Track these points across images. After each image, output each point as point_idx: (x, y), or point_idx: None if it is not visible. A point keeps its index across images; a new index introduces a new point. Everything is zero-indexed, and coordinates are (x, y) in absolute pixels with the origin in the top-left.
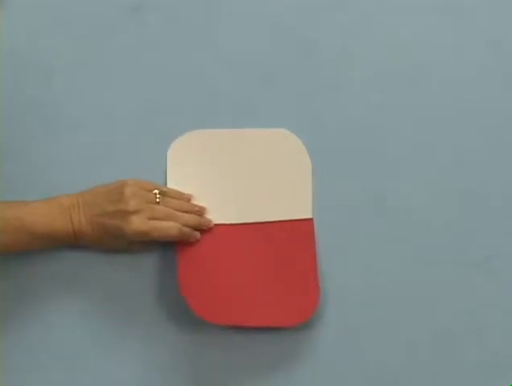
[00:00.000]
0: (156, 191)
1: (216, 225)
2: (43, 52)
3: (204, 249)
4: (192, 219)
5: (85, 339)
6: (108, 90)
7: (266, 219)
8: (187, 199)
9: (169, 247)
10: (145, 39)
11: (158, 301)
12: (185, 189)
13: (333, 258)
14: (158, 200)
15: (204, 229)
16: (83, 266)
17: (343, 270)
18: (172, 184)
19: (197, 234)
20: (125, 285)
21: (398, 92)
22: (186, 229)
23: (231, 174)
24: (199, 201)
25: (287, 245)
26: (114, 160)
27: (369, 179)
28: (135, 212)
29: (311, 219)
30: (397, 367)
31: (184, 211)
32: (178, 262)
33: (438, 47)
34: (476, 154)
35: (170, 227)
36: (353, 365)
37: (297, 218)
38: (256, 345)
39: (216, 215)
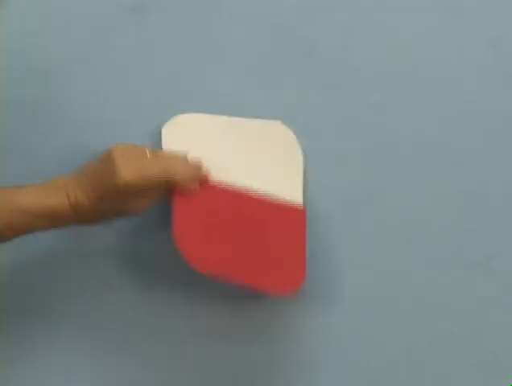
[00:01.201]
0: (147, 150)
1: (212, 186)
2: (43, 52)
3: (199, 205)
4: (187, 170)
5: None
6: (108, 90)
7: (260, 190)
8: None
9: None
10: (145, 39)
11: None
12: None
13: (333, 258)
14: (148, 156)
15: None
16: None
17: (343, 270)
18: None
19: (195, 184)
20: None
21: (398, 91)
22: (179, 177)
23: (222, 159)
24: None
25: (279, 226)
26: None
27: (369, 179)
28: (125, 165)
29: (303, 210)
30: (397, 367)
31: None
32: (173, 214)
33: (438, 47)
34: (477, 154)
35: (163, 171)
36: (353, 365)
37: (289, 200)
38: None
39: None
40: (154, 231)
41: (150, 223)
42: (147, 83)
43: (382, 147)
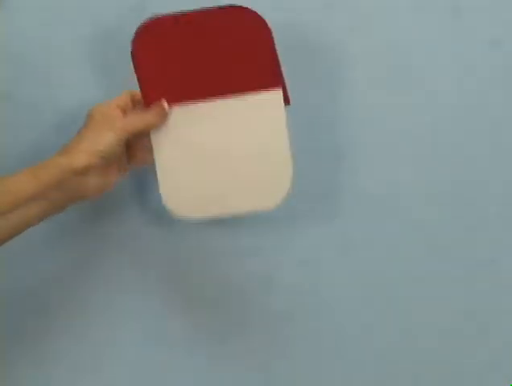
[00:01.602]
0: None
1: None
2: (43, 52)
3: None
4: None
5: None
6: (108, 90)
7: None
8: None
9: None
10: None
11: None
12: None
13: (333, 258)
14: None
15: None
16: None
17: (342, 270)
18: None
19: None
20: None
21: (398, 91)
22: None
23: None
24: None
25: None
26: None
27: (368, 179)
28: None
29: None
30: (397, 366)
31: None
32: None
33: (438, 47)
34: (477, 154)
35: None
36: (353, 365)
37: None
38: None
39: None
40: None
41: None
42: None
43: (382, 147)
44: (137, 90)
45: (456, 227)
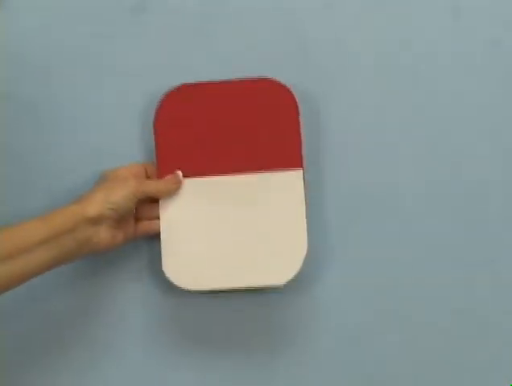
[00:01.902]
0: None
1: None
2: (43, 52)
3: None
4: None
5: None
6: (108, 90)
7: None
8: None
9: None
10: (145, 39)
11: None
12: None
13: (333, 258)
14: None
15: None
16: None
17: (343, 271)
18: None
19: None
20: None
21: (398, 91)
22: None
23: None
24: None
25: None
26: (114, 160)
27: (368, 179)
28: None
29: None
30: (397, 367)
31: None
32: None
33: (438, 46)
34: (477, 154)
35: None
36: (353, 365)
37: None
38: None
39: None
40: None
41: None
42: (147, 82)
43: (383, 147)
44: (149, 163)
45: (455, 228)
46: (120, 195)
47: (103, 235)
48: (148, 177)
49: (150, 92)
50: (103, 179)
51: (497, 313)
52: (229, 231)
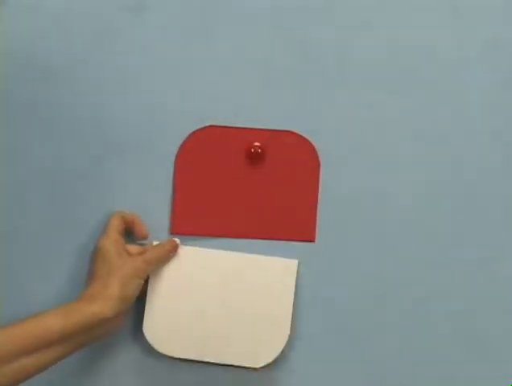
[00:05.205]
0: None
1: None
2: (43, 52)
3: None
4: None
5: None
6: (107, 90)
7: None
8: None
9: None
10: (145, 38)
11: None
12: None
13: (333, 258)
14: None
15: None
16: None
17: (343, 271)
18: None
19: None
20: None
21: (398, 91)
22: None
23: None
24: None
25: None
26: (114, 160)
27: (369, 179)
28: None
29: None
30: (396, 367)
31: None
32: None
33: (438, 46)
34: (477, 154)
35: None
36: (353, 366)
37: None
38: None
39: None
40: None
41: None
42: (147, 83)
43: (382, 147)
44: (126, 212)
45: (455, 227)
46: (134, 286)
47: (117, 322)
48: (128, 225)
49: (150, 91)
50: (105, 260)
51: (497, 313)
52: (213, 304)
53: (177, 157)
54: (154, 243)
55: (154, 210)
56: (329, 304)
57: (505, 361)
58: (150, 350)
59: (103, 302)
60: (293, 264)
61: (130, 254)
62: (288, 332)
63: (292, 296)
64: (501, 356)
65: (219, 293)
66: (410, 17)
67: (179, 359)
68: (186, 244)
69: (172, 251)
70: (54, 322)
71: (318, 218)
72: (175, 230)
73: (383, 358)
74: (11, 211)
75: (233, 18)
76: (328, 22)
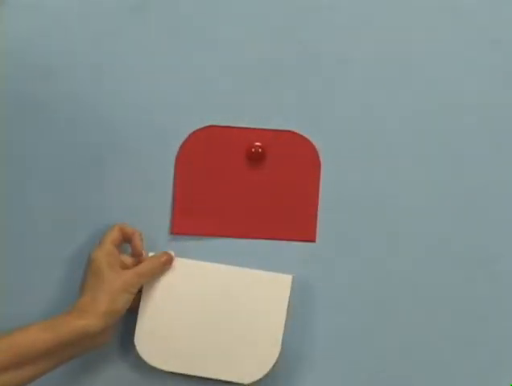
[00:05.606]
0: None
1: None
2: (43, 52)
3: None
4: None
5: None
6: (107, 90)
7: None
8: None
9: None
10: (145, 38)
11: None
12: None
13: (333, 258)
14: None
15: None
16: None
17: (343, 271)
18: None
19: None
20: None
21: (398, 92)
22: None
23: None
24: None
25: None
26: (114, 160)
27: (369, 180)
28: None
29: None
30: (396, 367)
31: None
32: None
33: (438, 46)
34: (477, 154)
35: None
36: (353, 366)
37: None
38: None
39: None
40: None
41: None
42: (147, 83)
43: (383, 147)
44: (126, 225)
45: (455, 227)
46: (123, 301)
47: (104, 335)
48: (126, 236)
49: (150, 91)
50: (97, 272)
51: (497, 313)
52: (206, 318)
53: (177, 157)
54: (150, 254)
55: (154, 210)
56: (329, 304)
57: (505, 361)
58: (140, 363)
59: (90, 316)
60: (287, 279)
61: (124, 265)
62: (279, 349)
63: (285, 313)
64: (501, 356)
65: (212, 307)
66: (411, 17)
67: (170, 373)
68: (185, 246)
69: (167, 263)
70: (39, 335)
71: (318, 218)
72: (175, 230)
73: (383, 358)
74: (11, 211)
75: (234, 18)
76: (328, 22)
